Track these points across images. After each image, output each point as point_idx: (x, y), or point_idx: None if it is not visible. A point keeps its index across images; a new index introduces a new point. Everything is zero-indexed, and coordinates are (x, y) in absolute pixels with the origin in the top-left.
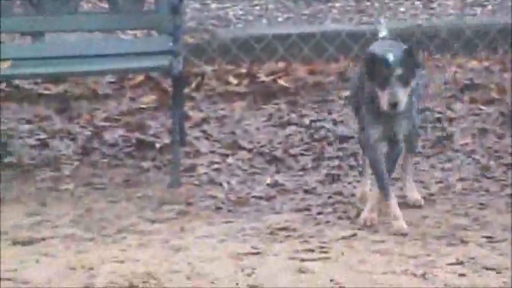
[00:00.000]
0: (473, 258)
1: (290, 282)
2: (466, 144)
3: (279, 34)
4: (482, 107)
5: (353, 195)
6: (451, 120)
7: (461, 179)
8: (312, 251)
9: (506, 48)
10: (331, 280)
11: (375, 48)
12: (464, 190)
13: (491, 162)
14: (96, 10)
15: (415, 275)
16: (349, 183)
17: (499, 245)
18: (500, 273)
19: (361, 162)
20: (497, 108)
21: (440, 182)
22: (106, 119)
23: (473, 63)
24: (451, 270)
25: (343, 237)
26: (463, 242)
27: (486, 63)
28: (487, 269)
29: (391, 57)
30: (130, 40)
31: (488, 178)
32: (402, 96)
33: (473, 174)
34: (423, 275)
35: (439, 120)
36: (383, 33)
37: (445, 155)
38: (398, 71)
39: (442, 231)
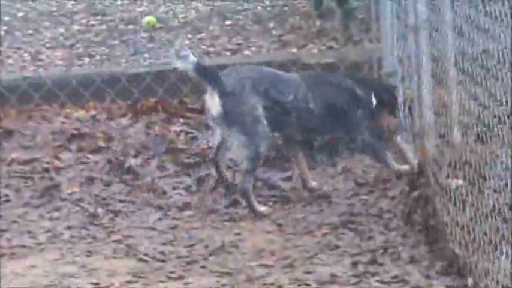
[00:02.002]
0: None
1: None
2: (74, 192)
3: None
4: (90, 156)
5: None
6: (58, 169)
7: (69, 227)
8: None
9: (112, 96)
10: None
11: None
12: (72, 238)
13: (99, 210)
14: None
15: None
16: None
17: None
18: None
19: None
20: (104, 156)
21: (49, 231)
22: None
23: (81, 113)
24: None
25: None
26: None
27: (93, 112)
28: None
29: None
30: None
31: (95, 225)
32: None
33: (80, 222)
34: None
35: (46, 170)
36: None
37: (53, 204)
38: None
39: (50, 280)
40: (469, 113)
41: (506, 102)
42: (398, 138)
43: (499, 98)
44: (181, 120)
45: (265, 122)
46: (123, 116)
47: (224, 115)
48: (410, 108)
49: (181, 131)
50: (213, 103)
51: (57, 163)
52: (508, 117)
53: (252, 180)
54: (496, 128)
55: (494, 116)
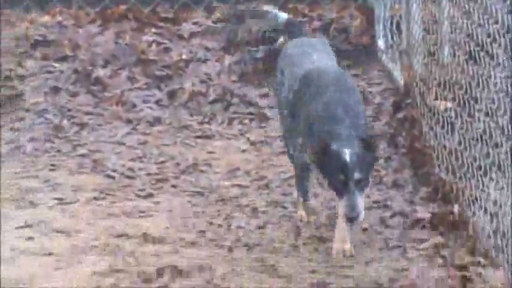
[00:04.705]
0: (42, 221)
1: None
2: (38, 102)
3: None
4: (55, 64)
5: None
6: (22, 77)
7: (32, 139)
8: None
9: (80, 2)
10: None
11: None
12: (35, 151)
13: (64, 122)
14: None
15: None
16: None
17: (68, 207)
18: (69, 235)
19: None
20: (70, 65)
21: (11, 142)
22: None
23: (46, 18)
24: (19, 234)
25: None
26: (33, 204)
27: (59, 18)
28: (57, 231)
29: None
30: None
31: (60, 138)
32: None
33: (44, 134)
34: None
35: (9, 78)
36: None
37: (15, 114)
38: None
39: (11, 195)
40: (460, 31)
41: (502, 20)
42: (384, 57)
43: (494, 15)
44: (153, 29)
45: None
46: (92, 23)
47: None
48: (398, 25)
49: (153, 41)
50: None
51: (20, 71)
52: (504, 35)
53: None
54: (489, 47)
55: (488, 35)
